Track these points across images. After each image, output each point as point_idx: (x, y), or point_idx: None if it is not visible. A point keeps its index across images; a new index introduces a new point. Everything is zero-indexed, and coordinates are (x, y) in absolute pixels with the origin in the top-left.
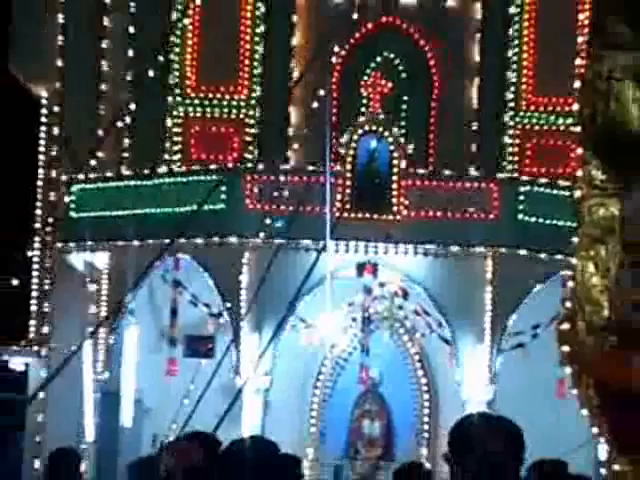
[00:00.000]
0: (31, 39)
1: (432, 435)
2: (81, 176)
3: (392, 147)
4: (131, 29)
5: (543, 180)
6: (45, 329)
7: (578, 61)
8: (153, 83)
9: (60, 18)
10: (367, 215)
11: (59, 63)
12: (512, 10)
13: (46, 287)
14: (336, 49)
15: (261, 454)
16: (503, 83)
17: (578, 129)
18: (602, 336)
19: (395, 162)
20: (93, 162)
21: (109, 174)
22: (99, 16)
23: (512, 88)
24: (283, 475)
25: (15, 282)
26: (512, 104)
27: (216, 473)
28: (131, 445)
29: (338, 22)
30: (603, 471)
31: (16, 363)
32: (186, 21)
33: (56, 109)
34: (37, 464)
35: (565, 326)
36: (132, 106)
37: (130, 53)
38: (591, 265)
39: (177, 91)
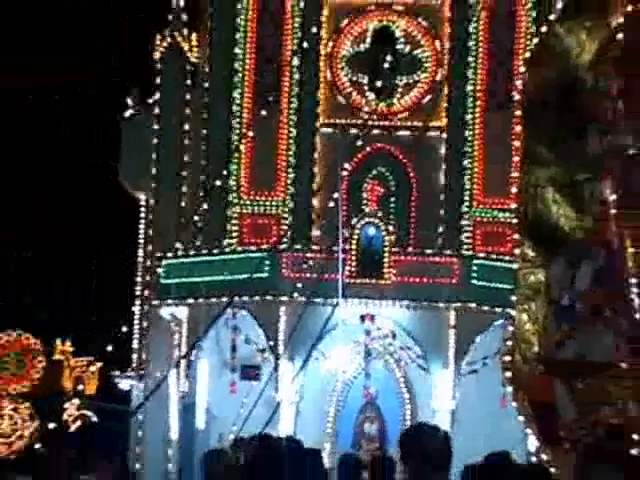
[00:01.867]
0: (134, 159)
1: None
2: (169, 254)
3: (384, 233)
4: (203, 147)
5: (491, 256)
6: (143, 360)
7: (515, 174)
8: (219, 187)
9: (154, 138)
10: (367, 280)
11: (153, 174)
12: (467, 133)
13: (144, 332)
14: (346, 165)
15: (295, 447)
16: (462, 188)
17: (515, 221)
18: (533, 366)
19: (386, 243)
20: (177, 244)
21: (188, 252)
22: (181, 139)
23: (467, 192)
24: (310, 462)
25: (124, 328)
26: (467, 202)
27: (266, 461)
28: (203, 441)
29: (346, 147)
30: (533, 459)
31: (123, 384)
32: (242, 147)
33: (151, 208)
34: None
35: (507, 358)
36: (206, 206)
37: (202, 162)
38: (525, 315)
39: (234, 194)
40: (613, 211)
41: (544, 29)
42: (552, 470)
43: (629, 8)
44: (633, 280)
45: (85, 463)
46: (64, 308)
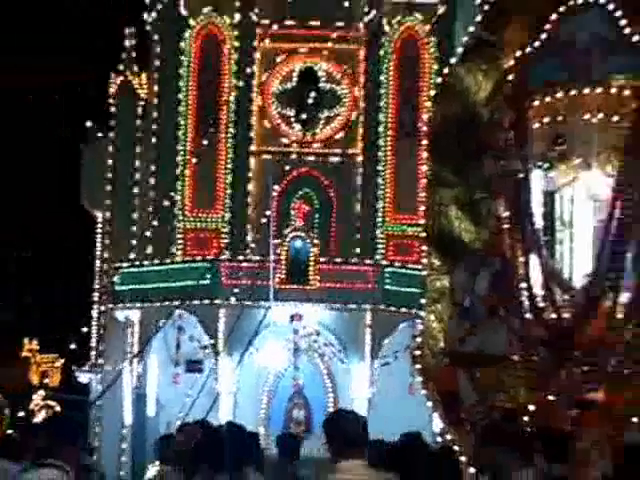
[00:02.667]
0: (92, 180)
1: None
2: (123, 264)
3: (310, 245)
4: (152, 171)
5: (401, 264)
6: (101, 357)
7: (422, 194)
8: (166, 206)
9: (109, 164)
10: (295, 286)
11: (109, 193)
12: (379, 159)
13: (101, 332)
14: (276, 187)
15: (235, 431)
16: (376, 206)
17: (423, 234)
18: (440, 359)
19: (311, 254)
20: (131, 255)
21: (140, 262)
22: (133, 164)
23: (380, 209)
24: (249, 444)
25: (84, 329)
26: (381, 218)
27: (210, 444)
28: (153, 427)
29: (276, 172)
30: (439, 438)
31: (83, 378)
32: (186, 171)
33: (106, 223)
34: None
35: (417, 352)
36: (154, 222)
37: (152, 184)
38: (432, 316)
39: (179, 212)
40: (506, 226)
41: (446, 70)
42: (455, 448)
43: (518, 53)
44: (523, 285)
45: (52, 449)
46: (32, 312)
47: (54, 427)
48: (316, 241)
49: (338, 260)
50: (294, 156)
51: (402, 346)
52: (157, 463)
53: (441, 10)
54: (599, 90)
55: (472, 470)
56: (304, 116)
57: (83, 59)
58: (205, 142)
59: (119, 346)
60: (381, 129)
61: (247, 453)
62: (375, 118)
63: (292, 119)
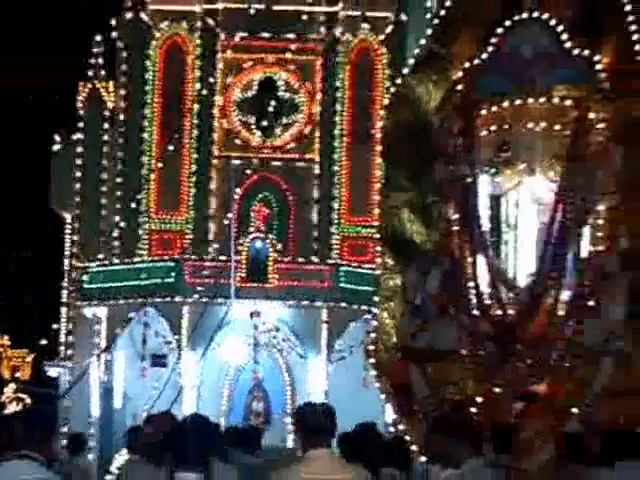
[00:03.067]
0: (61, 183)
1: (292, 410)
2: (92, 264)
3: (269, 246)
4: (119, 176)
5: (355, 264)
6: (69, 352)
7: (376, 197)
8: (133, 209)
9: (78, 166)
10: (255, 284)
11: (77, 199)
12: (335, 164)
13: (70, 328)
14: (237, 190)
15: (200, 422)
16: (331, 208)
17: (377, 236)
18: (392, 353)
19: (270, 254)
20: (99, 255)
21: (108, 262)
22: (100, 169)
23: (336, 212)
24: (211, 434)
25: (54, 326)
26: (336, 220)
27: (175, 435)
28: (120, 418)
29: (237, 176)
30: (391, 429)
31: (52, 372)
32: (151, 176)
33: (75, 226)
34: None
35: (371, 347)
36: (122, 224)
37: (119, 188)
38: (385, 313)
39: (145, 214)
40: (455, 228)
41: (399, 81)
42: (407, 437)
43: (466, 65)
44: (471, 283)
45: (25, 440)
46: (3, 309)
47: (27, 419)
48: (275, 242)
49: (296, 260)
50: (254, 161)
51: (356, 341)
52: (124, 452)
53: (392, 25)
54: (542, 100)
55: (423, 459)
56: (264, 123)
57: (52, 65)
58: (170, 147)
59: (87, 342)
60: (337, 136)
61: (212, 444)
62: (330, 125)
63: (253, 126)
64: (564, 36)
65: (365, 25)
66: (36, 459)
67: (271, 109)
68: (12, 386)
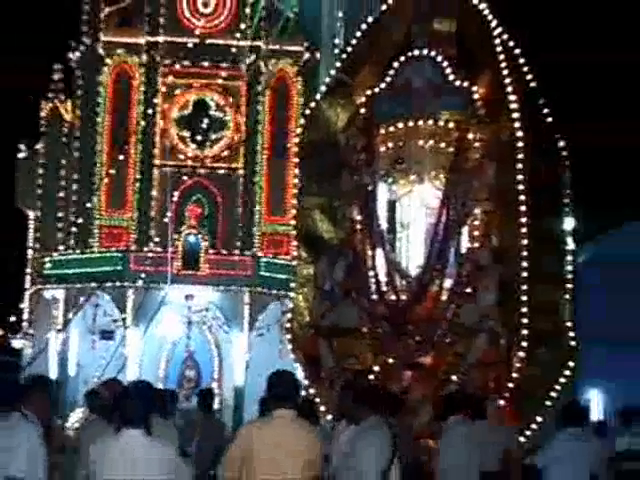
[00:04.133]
0: (26, 186)
1: (219, 376)
2: (53, 254)
3: (201, 239)
4: (74, 185)
5: (273, 256)
6: (31, 328)
7: (293, 201)
8: (86, 208)
9: (40, 172)
10: (189, 272)
11: (39, 196)
12: (256, 172)
13: (32, 307)
14: (175, 193)
15: (141, 387)
16: (253, 209)
17: (293, 233)
18: (305, 330)
19: (202, 247)
20: (59, 247)
21: (65, 252)
22: (59, 174)
23: (257, 213)
24: (151, 396)
25: (20, 305)
26: (258, 218)
27: (123, 397)
28: (73, 384)
29: (174, 181)
30: (303, 392)
31: (16, 343)
32: (103, 180)
33: (38, 222)
34: None
35: (287, 325)
36: (78, 220)
37: (75, 189)
38: (300, 297)
39: (97, 212)
40: (358, 227)
41: (312, 104)
42: (316, 399)
43: (368, 92)
44: (370, 273)
45: None
46: None
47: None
48: (206, 236)
49: (223, 252)
50: (189, 169)
51: (273, 320)
52: (79, 411)
53: (307, 56)
54: (430, 122)
55: (329, 417)
56: (197, 137)
57: (17, 82)
58: (121, 157)
59: (47, 319)
60: (258, 149)
61: (152, 404)
62: (254, 139)
63: (188, 139)
64: (448, 70)
65: (283, 57)
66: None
67: (203, 126)
68: None
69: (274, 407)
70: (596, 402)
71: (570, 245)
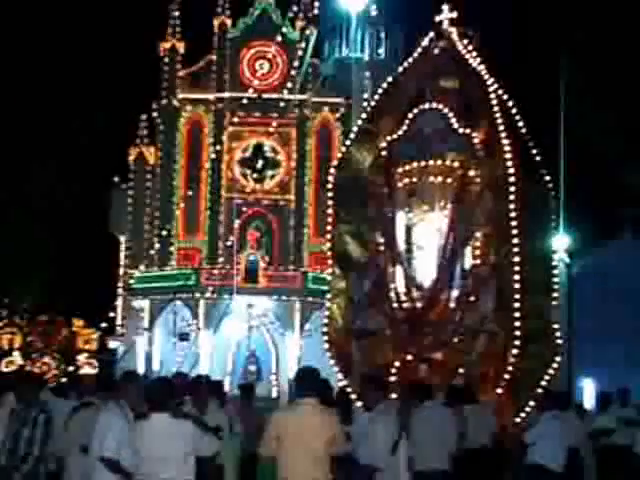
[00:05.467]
0: (117, 215)
1: (276, 370)
2: (139, 271)
3: (259, 258)
4: (156, 213)
5: (319, 271)
6: (123, 331)
7: (329, 227)
8: (166, 234)
9: (129, 204)
10: (250, 285)
11: (128, 224)
12: (304, 203)
13: (123, 314)
14: (238, 221)
15: (211, 380)
16: (302, 233)
17: (329, 253)
18: (340, 333)
19: (260, 264)
20: (145, 265)
21: (149, 269)
22: (144, 205)
23: (305, 234)
24: (221, 389)
25: (112, 314)
26: (305, 241)
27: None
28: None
29: (238, 210)
30: (340, 383)
31: (111, 344)
32: (179, 212)
33: (128, 244)
34: None
35: (325, 329)
36: (159, 244)
37: (156, 222)
38: (335, 306)
39: (174, 237)
40: (381, 248)
41: (343, 148)
42: (348, 389)
43: (388, 138)
44: (391, 285)
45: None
46: (81, 301)
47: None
48: (263, 256)
49: (278, 268)
50: (249, 200)
51: (319, 324)
52: None
53: (343, 106)
54: (438, 162)
55: (359, 404)
56: (255, 175)
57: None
58: (189, 193)
59: (135, 324)
60: (306, 182)
61: (212, 392)
62: (302, 176)
63: (248, 176)
64: (452, 120)
65: (325, 108)
66: (118, 402)
67: (261, 165)
68: (84, 354)
69: (301, 396)
70: (589, 388)
71: (557, 260)
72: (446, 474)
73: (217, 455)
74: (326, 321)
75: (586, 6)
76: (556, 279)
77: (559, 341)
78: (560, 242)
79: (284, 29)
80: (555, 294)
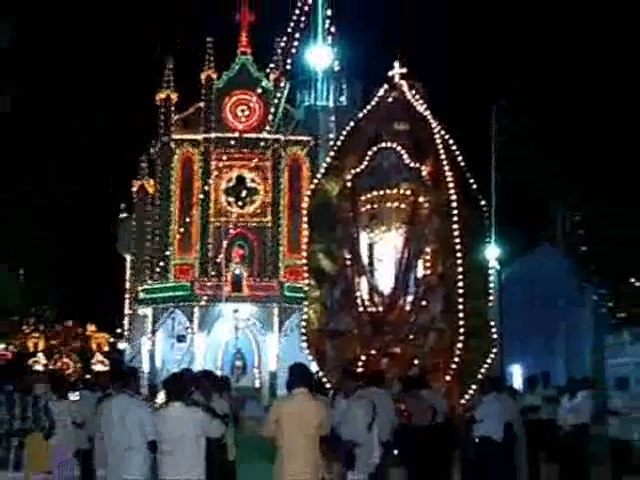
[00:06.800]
0: (124, 238)
1: (258, 364)
2: (143, 284)
3: (243, 271)
4: (156, 237)
5: (293, 282)
6: (130, 335)
7: (304, 246)
8: (166, 253)
9: (133, 228)
10: (236, 293)
11: (132, 245)
12: (280, 225)
13: (130, 320)
14: (224, 241)
15: (208, 373)
16: (278, 250)
17: (305, 267)
18: (316, 333)
19: (245, 276)
20: (148, 279)
21: (152, 283)
22: (145, 230)
23: (280, 252)
24: (220, 382)
25: (122, 321)
26: (282, 257)
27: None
28: (160, 374)
29: (225, 232)
30: (315, 376)
31: (121, 346)
32: (176, 235)
33: (133, 262)
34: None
35: (303, 330)
36: (160, 262)
37: (156, 244)
38: (311, 311)
39: (172, 255)
40: (348, 262)
41: (315, 180)
42: (324, 380)
43: (352, 171)
44: (357, 293)
45: (111, 384)
46: (94, 310)
47: (111, 373)
48: (247, 269)
49: (259, 279)
50: (234, 223)
51: (295, 326)
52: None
53: (311, 145)
54: (394, 191)
55: (332, 392)
56: (239, 202)
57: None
58: (187, 220)
59: (140, 329)
60: (281, 208)
61: (216, 386)
62: (277, 202)
63: (232, 203)
64: (404, 156)
65: (296, 146)
66: (126, 392)
67: (244, 193)
68: (98, 355)
69: (294, 387)
70: (517, 373)
71: (491, 268)
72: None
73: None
74: (304, 324)
75: (526, 53)
76: (491, 284)
77: (495, 336)
78: (492, 252)
79: (262, 81)
80: (491, 297)
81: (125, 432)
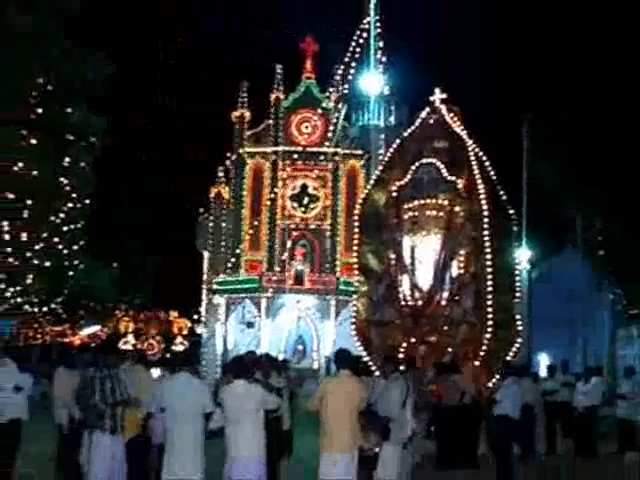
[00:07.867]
0: (202, 237)
1: (317, 349)
2: (217, 277)
3: (306, 268)
4: (230, 237)
5: (348, 278)
6: (207, 320)
7: (355, 247)
8: (238, 251)
9: (210, 229)
10: (298, 286)
11: (210, 242)
12: (338, 228)
13: (207, 308)
14: (289, 242)
15: (270, 356)
16: (335, 250)
17: (356, 265)
18: (364, 323)
19: (306, 272)
20: (222, 273)
21: (226, 276)
22: (221, 231)
23: (338, 252)
24: (278, 363)
25: (199, 308)
26: (339, 256)
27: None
28: (231, 356)
29: (289, 233)
30: (362, 359)
31: (199, 331)
32: (247, 235)
33: (210, 258)
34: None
35: (353, 320)
36: (232, 258)
37: (230, 242)
38: (359, 303)
39: (243, 253)
40: (393, 262)
41: (366, 191)
42: (369, 364)
43: (397, 184)
44: (400, 289)
45: (184, 363)
46: (176, 298)
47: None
48: (308, 265)
49: (319, 274)
50: (297, 226)
51: (349, 316)
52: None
53: (366, 157)
54: (433, 201)
55: (377, 374)
56: (302, 207)
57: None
58: (255, 223)
59: (215, 316)
60: (339, 213)
61: (275, 367)
62: (336, 209)
63: (297, 208)
64: (443, 170)
65: (352, 158)
66: (191, 371)
67: (306, 199)
68: (179, 338)
69: (339, 368)
70: (544, 361)
71: (519, 269)
72: None
73: (278, 408)
74: (354, 315)
75: (559, 66)
76: (517, 283)
77: (519, 328)
78: (524, 255)
79: (323, 102)
80: (517, 294)
81: (187, 403)
